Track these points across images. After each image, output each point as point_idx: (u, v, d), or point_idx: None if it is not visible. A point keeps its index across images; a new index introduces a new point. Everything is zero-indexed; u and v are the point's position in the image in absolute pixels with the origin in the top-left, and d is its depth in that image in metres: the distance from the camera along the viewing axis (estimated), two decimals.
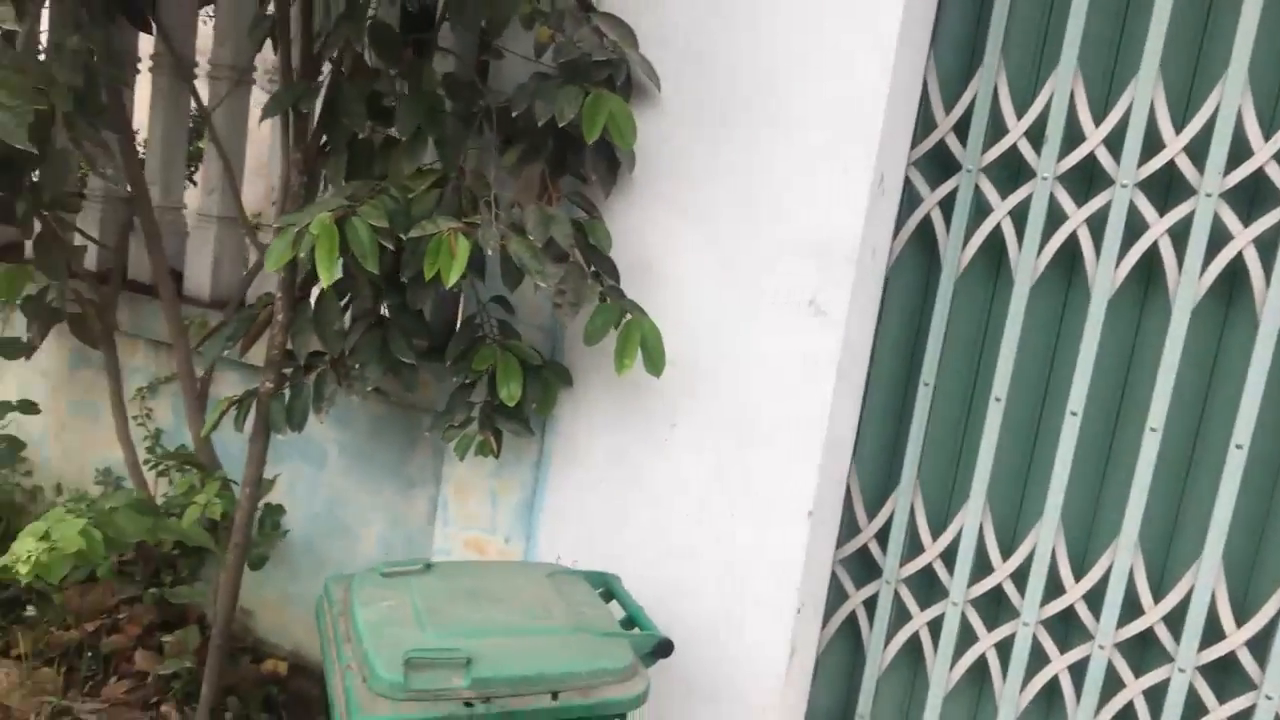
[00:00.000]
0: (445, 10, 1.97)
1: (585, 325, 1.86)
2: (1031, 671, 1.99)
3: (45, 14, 2.29)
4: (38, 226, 2.21)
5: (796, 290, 1.91)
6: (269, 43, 2.06)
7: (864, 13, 1.80)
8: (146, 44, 2.87)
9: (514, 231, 1.74)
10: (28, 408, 2.74)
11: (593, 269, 1.93)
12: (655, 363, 1.89)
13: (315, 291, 2.05)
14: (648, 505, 2.11)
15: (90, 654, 2.50)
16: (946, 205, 1.99)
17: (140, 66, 2.93)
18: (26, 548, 1.65)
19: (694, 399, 2.04)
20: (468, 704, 1.46)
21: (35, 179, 2.05)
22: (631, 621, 1.83)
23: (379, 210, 1.72)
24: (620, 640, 1.66)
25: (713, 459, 2.03)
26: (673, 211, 2.01)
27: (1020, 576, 1.98)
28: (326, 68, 2.04)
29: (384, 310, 2.05)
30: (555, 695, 1.50)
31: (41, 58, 1.98)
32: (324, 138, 2.02)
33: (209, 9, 3.11)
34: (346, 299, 2.06)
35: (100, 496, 2.28)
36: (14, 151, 1.88)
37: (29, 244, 2.36)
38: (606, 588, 1.96)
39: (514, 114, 1.82)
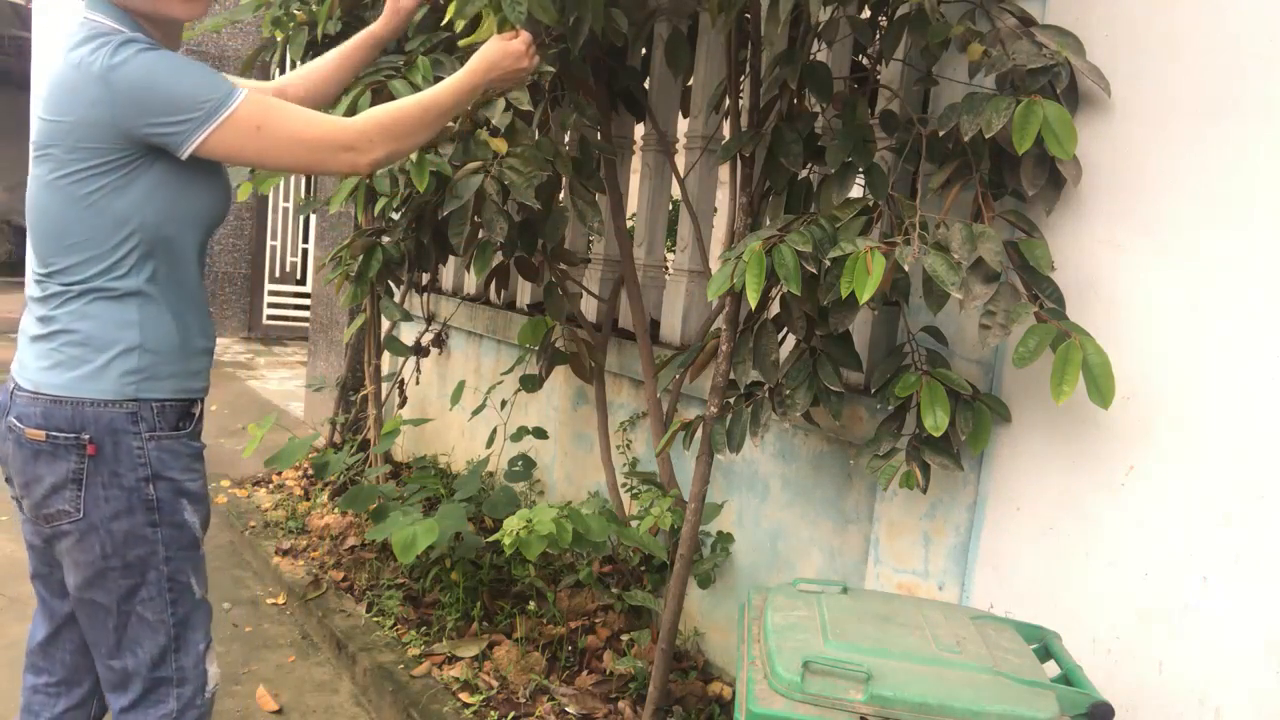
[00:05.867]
0: (882, 47, 2.03)
1: (1016, 348, 1.74)
2: None
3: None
4: (547, 277, 2.70)
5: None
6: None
7: None
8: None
9: (936, 249, 1.70)
10: (540, 433, 3.30)
11: (1032, 292, 1.80)
12: (1103, 392, 1.69)
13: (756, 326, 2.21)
14: (1099, 558, 1.87)
15: (570, 648, 2.89)
16: None
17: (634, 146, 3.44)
18: (513, 526, 2.01)
19: (1155, 438, 1.77)
20: (863, 719, 1.43)
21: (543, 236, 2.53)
22: (1067, 681, 1.63)
23: (805, 237, 1.81)
24: (1045, 692, 1.49)
25: (1180, 510, 1.74)
26: (1125, 225, 1.80)
27: None
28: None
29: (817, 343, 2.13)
30: None
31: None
32: (767, 182, 2.19)
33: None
34: (784, 332, 2.18)
35: (579, 504, 2.65)
36: (532, 215, 2.34)
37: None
38: (1043, 644, 1.76)
39: (941, 133, 1.80)
